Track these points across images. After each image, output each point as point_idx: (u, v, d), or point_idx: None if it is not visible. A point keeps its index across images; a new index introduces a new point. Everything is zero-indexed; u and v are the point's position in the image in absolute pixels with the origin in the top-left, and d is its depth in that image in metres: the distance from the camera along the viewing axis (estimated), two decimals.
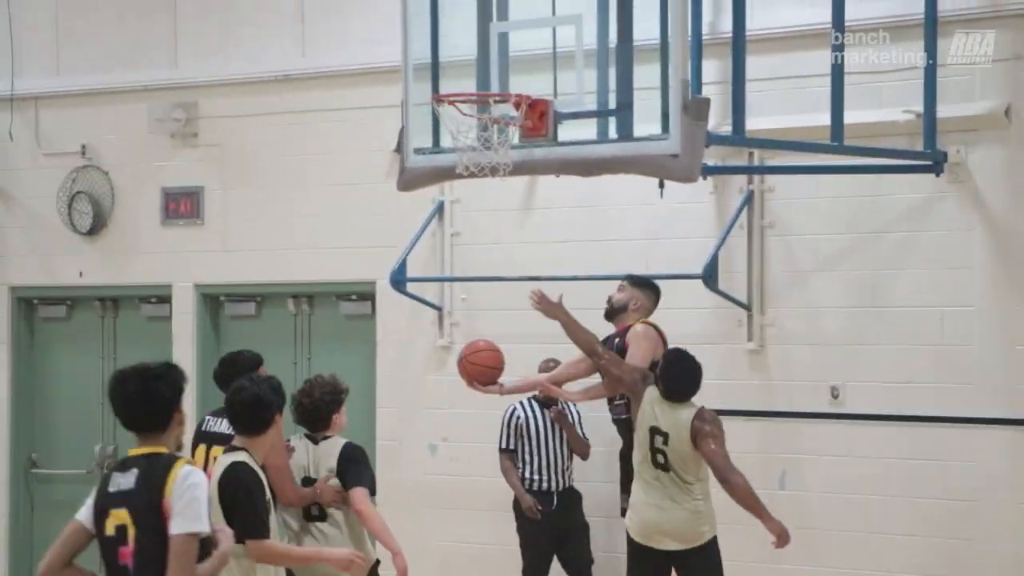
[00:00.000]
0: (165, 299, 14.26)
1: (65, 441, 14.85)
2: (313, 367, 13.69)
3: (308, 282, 13.62)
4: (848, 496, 11.26)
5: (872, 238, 11.23)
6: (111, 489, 5.81)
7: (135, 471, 5.79)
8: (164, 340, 14.16)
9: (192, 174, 14.05)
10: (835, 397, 11.36)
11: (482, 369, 10.80)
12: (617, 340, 10.70)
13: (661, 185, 11.53)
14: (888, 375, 11.17)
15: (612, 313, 10.87)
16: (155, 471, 5.75)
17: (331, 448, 9.06)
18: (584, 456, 11.76)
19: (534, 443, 11.70)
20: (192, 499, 5.65)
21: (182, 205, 14.12)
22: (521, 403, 11.80)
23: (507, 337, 12.39)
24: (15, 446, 14.93)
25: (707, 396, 11.69)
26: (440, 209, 12.87)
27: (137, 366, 5.91)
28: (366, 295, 13.38)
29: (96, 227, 14.40)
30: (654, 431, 9.89)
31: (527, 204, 12.57)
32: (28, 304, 15.04)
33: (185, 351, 14.03)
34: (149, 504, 5.69)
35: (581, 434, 11.78)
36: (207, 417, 9.72)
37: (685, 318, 11.84)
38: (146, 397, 5.76)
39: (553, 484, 11.63)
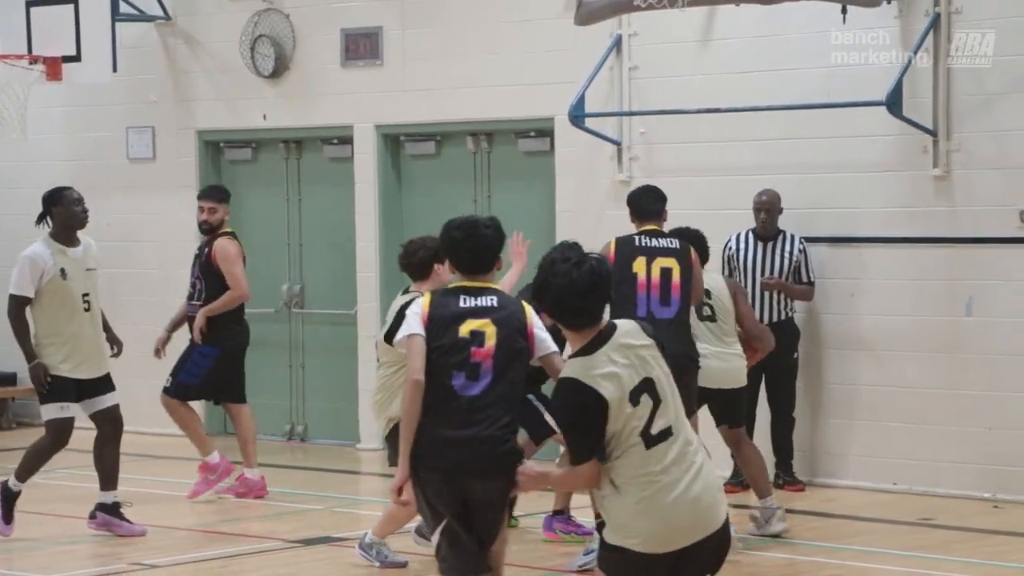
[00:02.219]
0: (346, 140, 14.23)
1: (254, 281, 14.86)
2: (493, 204, 13.63)
3: (486, 119, 13.48)
4: None
5: None
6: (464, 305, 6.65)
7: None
8: (347, 180, 14.17)
9: (371, 15, 13.93)
10: (1023, 221, 11.02)
11: None
12: None
13: (844, 11, 11.20)
14: None
15: None
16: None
17: None
18: (807, 296, 11.60)
19: (748, 275, 11.51)
20: None
21: (362, 46, 14.03)
22: (737, 235, 11.64)
23: (686, 170, 12.24)
24: None
25: (891, 224, 11.48)
26: (618, 43, 12.62)
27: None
28: (544, 131, 13.22)
29: (278, 70, 14.38)
30: None
31: (706, 36, 12.28)
32: (215, 147, 15.12)
33: (367, 190, 14.02)
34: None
35: (805, 275, 11.55)
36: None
37: (867, 146, 11.58)
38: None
39: (765, 316, 11.44)
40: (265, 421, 14.81)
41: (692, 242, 9.85)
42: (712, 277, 10.11)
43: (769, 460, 11.63)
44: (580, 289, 5.69)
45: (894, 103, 11.09)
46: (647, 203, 9.62)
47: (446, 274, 8.80)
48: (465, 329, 6.58)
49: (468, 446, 6.48)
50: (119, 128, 15.28)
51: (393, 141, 14.08)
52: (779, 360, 11.33)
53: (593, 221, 12.70)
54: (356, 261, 14.14)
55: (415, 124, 13.86)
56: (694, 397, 9.45)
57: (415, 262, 9.15)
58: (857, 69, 11.54)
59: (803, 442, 11.77)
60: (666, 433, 5.67)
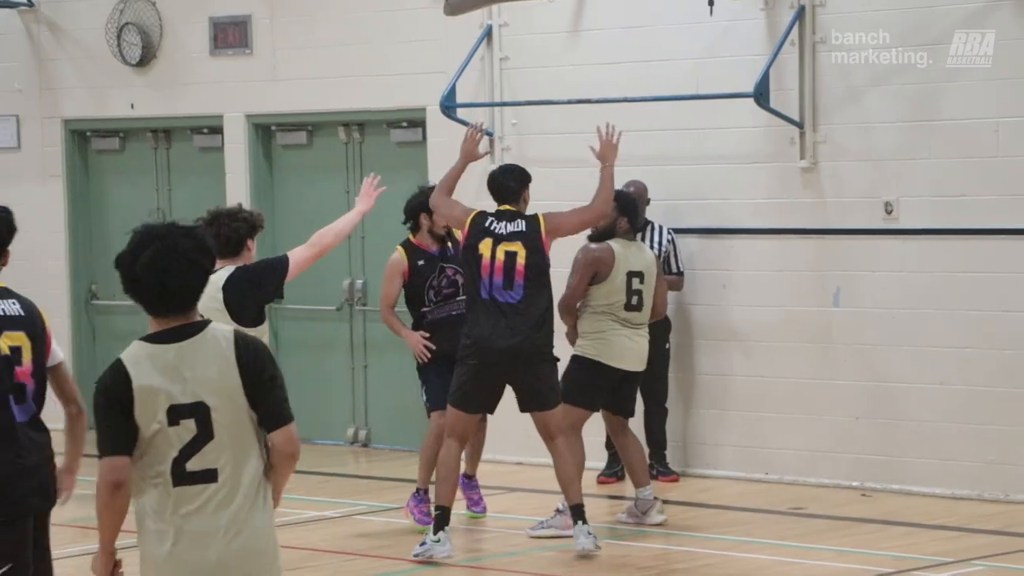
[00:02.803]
0: (216, 130, 14.11)
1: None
2: None
3: (358, 110, 13.43)
4: (902, 311, 11.14)
5: (926, 50, 10.97)
6: None
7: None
8: (217, 171, 14.05)
9: (240, 3, 13.82)
10: (889, 213, 11.17)
11: None
12: None
13: (711, 3, 11.28)
14: (942, 189, 10.99)
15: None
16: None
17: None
18: (677, 287, 11.63)
19: None
20: None
21: (231, 35, 13.90)
22: None
23: (557, 160, 12.28)
24: (75, 277, 14.91)
25: (760, 215, 11.60)
26: (488, 33, 12.62)
27: None
28: (416, 122, 13.19)
29: (145, 58, 14.21)
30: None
31: (576, 26, 12.32)
32: (81, 136, 14.91)
33: (239, 181, 13.93)
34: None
35: (674, 266, 11.61)
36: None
37: (736, 138, 11.68)
38: None
39: None
40: None
41: (622, 206, 9.93)
42: (645, 256, 10.10)
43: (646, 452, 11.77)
44: (153, 269, 4.90)
45: (761, 95, 11.20)
46: (503, 182, 9.64)
47: (254, 249, 8.17)
48: (4, 345, 5.81)
49: (29, 477, 5.82)
50: None
51: (264, 131, 13.98)
52: (651, 351, 11.39)
53: None
54: None
55: (286, 114, 13.78)
56: (549, 390, 9.40)
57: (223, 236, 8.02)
58: (725, 61, 11.64)
59: (676, 433, 11.89)
60: (207, 476, 4.85)
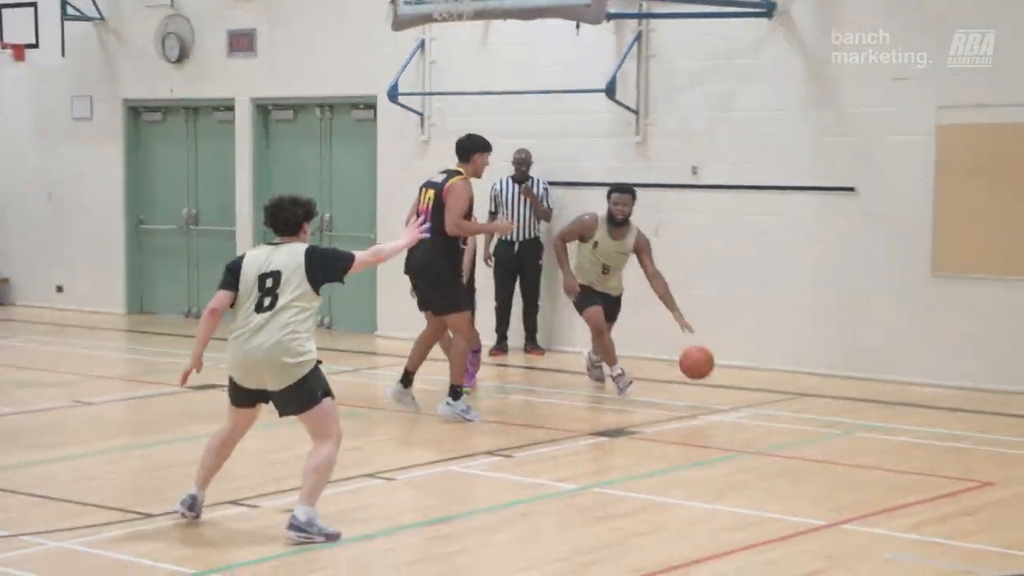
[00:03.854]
0: (230, 108, 13.87)
1: (162, 206, 14.58)
2: (334, 156, 13.42)
3: (330, 96, 13.24)
4: (703, 240, 11.16)
5: (724, 64, 10.97)
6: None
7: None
8: (230, 138, 13.83)
9: (249, 20, 13.57)
10: (695, 173, 11.17)
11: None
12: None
13: (577, 27, 11.19)
14: (734, 157, 11.00)
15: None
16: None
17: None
18: (547, 219, 11.52)
19: (508, 208, 11.47)
20: None
21: (242, 42, 13.66)
22: (500, 180, 11.52)
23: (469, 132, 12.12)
24: (129, 210, 14.66)
25: (606, 174, 11.55)
26: (422, 44, 12.46)
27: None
28: (370, 105, 13.03)
29: (181, 57, 13.95)
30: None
31: (484, 40, 12.19)
32: (135, 111, 14.62)
33: (244, 146, 13.71)
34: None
35: (545, 205, 11.52)
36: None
37: (592, 120, 11.63)
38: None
39: (519, 236, 11.42)
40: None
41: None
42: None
43: (522, 334, 11.77)
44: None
45: (611, 90, 11.16)
46: (459, 142, 8.94)
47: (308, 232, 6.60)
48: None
49: None
50: (66, 97, 14.71)
51: (263, 110, 13.75)
52: (529, 264, 11.43)
53: (402, 169, 12.62)
54: (236, 192, 13.87)
55: (279, 98, 13.57)
56: (439, 298, 8.72)
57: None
58: (586, 66, 11.58)
59: (545, 321, 11.88)
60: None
